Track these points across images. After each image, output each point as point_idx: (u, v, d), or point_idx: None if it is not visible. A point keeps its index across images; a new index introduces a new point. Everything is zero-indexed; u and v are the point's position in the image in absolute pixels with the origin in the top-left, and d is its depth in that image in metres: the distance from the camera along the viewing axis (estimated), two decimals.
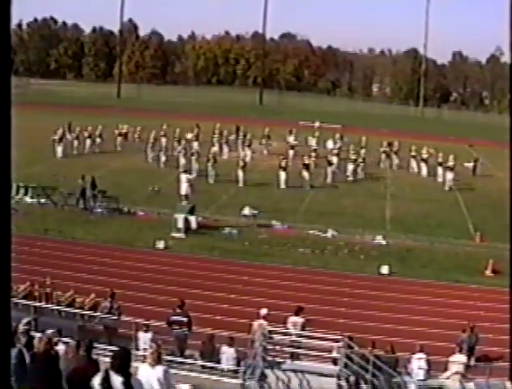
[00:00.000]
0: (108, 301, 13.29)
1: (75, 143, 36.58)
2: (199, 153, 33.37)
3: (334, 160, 34.33)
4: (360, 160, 34.53)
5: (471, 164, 38.11)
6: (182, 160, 32.49)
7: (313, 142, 40.26)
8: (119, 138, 38.54)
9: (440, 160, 34.74)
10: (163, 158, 34.38)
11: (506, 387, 10.91)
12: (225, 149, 37.69)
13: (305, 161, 31.89)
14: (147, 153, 35.73)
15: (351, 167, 34.07)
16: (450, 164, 33.37)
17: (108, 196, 25.26)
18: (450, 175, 33.10)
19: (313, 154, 34.57)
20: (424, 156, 36.54)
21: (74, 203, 25.00)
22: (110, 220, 23.96)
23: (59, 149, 35.20)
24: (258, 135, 40.47)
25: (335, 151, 36.18)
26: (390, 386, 11.06)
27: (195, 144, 36.58)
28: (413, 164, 37.31)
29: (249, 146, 37.39)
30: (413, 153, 37.51)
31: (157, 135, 36.73)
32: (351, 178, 33.70)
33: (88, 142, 36.94)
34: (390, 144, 39.22)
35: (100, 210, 24.64)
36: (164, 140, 34.83)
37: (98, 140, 37.38)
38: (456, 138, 51.12)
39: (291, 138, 39.97)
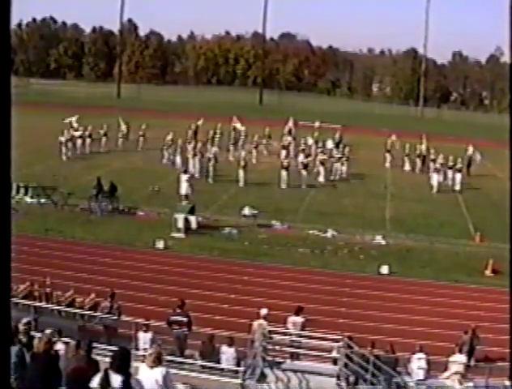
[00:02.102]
0: (108, 301, 13.30)
1: (78, 142, 36.20)
2: (201, 153, 33.31)
3: (328, 159, 34.27)
4: (344, 158, 34.42)
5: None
6: (191, 161, 32.29)
7: (311, 142, 40.22)
8: (104, 139, 37.89)
9: (438, 159, 34.66)
10: (178, 159, 33.87)
11: (506, 387, 10.91)
12: (231, 149, 37.57)
13: (304, 161, 31.87)
14: (163, 154, 35.51)
15: (336, 165, 33.99)
16: (449, 164, 33.41)
17: (108, 196, 25.24)
18: (451, 175, 33.13)
19: (311, 154, 34.51)
20: (423, 155, 36.59)
21: (87, 204, 24.79)
22: (110, 220, 23.96)
23: (64, 150, 34.69)
24: (258, 135, 40.40)
25: (327, 151, 36.15)
26: (389, 386, 11.07)
27: (197, 144, 36.46)
28: (412, 163, 37.37)
29: (256, 147, 37.26)
30: (412, 152, 37.59)
31: (173, 136, 35.80)
32: (332, 178, 33.39)
33: (89, 141, 36.73)
34: (389, 143, 39.23)
35: (101, 209, 24.62)
36: (180, 141, 34.50)
37: (88, 141, 36.75)
38: (456, 138, 51.06)
39: (288, 138, 39.94)
